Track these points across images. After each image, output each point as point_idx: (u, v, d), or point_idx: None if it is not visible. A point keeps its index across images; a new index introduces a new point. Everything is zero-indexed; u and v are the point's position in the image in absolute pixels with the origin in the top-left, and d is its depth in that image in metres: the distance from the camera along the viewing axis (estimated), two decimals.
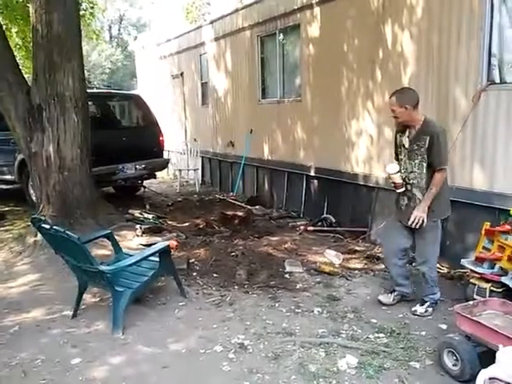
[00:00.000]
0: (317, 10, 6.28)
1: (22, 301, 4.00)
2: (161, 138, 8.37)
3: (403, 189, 3.49)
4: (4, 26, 6.71)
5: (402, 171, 3.49)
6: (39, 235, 4.92)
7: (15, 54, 6.55)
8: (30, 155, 5.48)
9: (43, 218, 3.91)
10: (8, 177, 7.70)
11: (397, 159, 3.62)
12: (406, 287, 3.77)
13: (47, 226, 3.37)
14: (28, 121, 5.36)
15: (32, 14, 5.31)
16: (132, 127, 8.80)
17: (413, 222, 3.37)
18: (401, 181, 3.48)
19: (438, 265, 4.45)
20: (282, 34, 7.24)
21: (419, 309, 3.59)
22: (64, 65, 5.26)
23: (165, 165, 8.84)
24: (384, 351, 3.03)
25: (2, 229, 6.39)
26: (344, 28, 5.80)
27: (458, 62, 4.37)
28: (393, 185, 3.55)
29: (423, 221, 3.35)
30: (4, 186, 8.00)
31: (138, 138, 7.82)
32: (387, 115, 5.18)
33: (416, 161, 3.40)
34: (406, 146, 3.46)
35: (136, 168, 7.70)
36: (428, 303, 3.60)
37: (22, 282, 4.42)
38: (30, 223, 5.27)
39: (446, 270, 4.45)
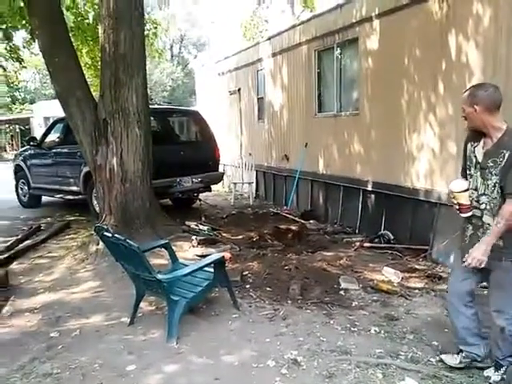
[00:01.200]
0: (376, 22, 6.19)
1: (83, 306, 4.17)
2: (217, 153, 8.54)
3: (470, 213, 2.72)
4: (75, 47, 7.16)
5: (471, 191, 2.72)
6: (101, 244, 5.13)
7: (84, 72, 6.97)
8: (94, 167, 5.78)
9: (106, 226, 4.06)
10: (74, 188, 8.14)
11: (464, 175, 2.83)
12: (477, 348, 2.90)
13: (109, 235, 3.50)
14: (94, 135, 5.67)
15: (100, 35, 5.65)
16: (190, 142, 9.07)
17: (469, 264, 2.61)
18: (468, 202, 2.71)
19: None
20: (339, 48, 7.19)
21: (493, 376, 2.76)
22: (128, 81, 5.52)
23: (220, 178, 9.00)
24: (447, 376, 2.84)
25: (67, 237, 6.75)
26: (404, 40, 5.67)
27: None
28: (457, 207, 2.75)
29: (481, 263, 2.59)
30: (70, 197, 8.47)
31: (195, 152, 8.05)
32: (451, 128, 4.99)
33: (490, 181, 2.62)
34: (480, 159, 2.68)
35: (192, 181, 7.88)
36: (505, 368, 2.74)
37: (84, 289, 4.61)
38: (93, 232, 5.54)
39: None
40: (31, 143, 9.37)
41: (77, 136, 5.88)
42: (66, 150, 8.33)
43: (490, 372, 2.80)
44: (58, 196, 8.99)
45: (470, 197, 2.71)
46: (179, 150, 7.84)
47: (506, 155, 2.54)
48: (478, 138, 2.73)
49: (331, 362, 3.06)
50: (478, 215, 2.71)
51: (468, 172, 2.79)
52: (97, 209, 7.34)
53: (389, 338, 3.41)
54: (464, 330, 2.89)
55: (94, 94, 6.23)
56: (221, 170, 10.21)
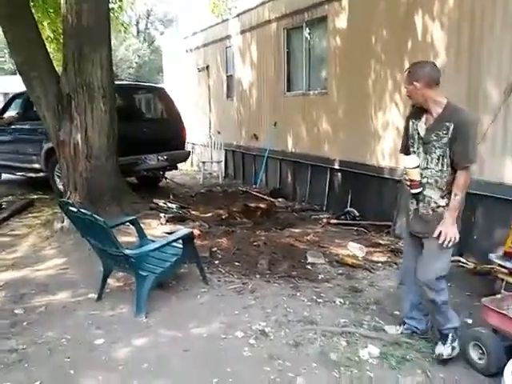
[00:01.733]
0: (345, 1, 6.21)
1: (49, 283, 4.09)
2: (183, 131, 8.46)
3: (420, 189, 2.77)
4: (36, 19, 6.84)
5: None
6: (66, 221, 5.03)
7: (47, 46, 6.70)
8: (58, 143, 5.61)
9: (71, 201, 3.99)
10: (36, 165, 7.90)
11: (405, 152, 2.92)
12: (419, 322, 3.08)
13: (74, 209, 3.44)
14: (57, 110, 5.49)
15: (62, 6, 5.42)
16: (155, 119, 8.88)
17: (448, 243, 2.67)
18: (419, 178, 2.76)
19: (464, 260, 4.39)
20: (308, 27, 7.18)
21: (444, 350, 2.77)
22: (92, 55, 5.35)
23: (187, 156, 8.95)
24: (407, 343, 2.98)
25: (30, 215, 6.56)
26: (372, 19, 5.71)
27: (490, 52, 4.25)
28: (408, 183, 2.79)
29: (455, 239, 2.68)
30: (32, 175, 8.23)
31: (161, 130, 7.92)
32: None
33: (434, 155, 2.70)
34: (422, 135, 2.77)
35: (158, 159, 7.79)
36: (450, 337, 2.80)
37: (49, 266, 4.52)
38: (57, 210, 5.43)
39: (472, 265, 4.33)
40: None
41: (39, 111, 5.67)
42: (26, 127, 8.02)
43: (439, 349, 2.80)
44: (19, 174, 8.70)
45: (420, 173, 2.77)
46: (144, 127, 7.68)
47: (451, 128, 2.61)
48: (419, 115, 2.81)
49: (297, 331, 3.15)
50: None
51: (411, 149, 2.85)
52: (60, 187, 7.20)
53: (353, 309, 3.53)
54: (411, 304, 3.06)
55: (57, 68, 6.01)
56: (188, 148, 10.11)
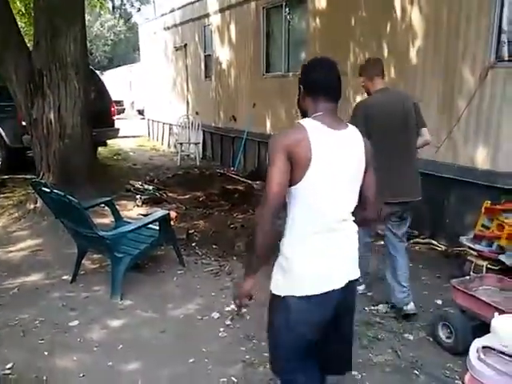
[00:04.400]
0: None
1: (22, 265, 4.03)
2: (111, 109, 8.79)
3: None
4: None
5: None
6: (39, 202, 4.93)
7: (18, 21, 6.43)
8: (30, 122, 5.44)
9: (43, 181, 3.89)
10: None
11: None
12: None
13: (48, 190, 3.36)
14: (29, 86, 5.30)
15: None
16: None
17: None
18: None
19: (435, 242, 4.51)
20: (288, 7, 7.10)
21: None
22: (65, 30, 5.16)
23: (116, 134, 9.12)
24: (379, 323, 3.07)
25: (2, 196, 6.40)
26: (352, 1, 5.68)
27: (466, 37, 4.29)
28: None
29: None
30: None
31: None
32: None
33: None
34: None
35: None
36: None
37: (22, 247, 4.44)
38: (30, 191, 5.30)
39: (443, 248, 4.46)
40: None
41: (9, 87, 5.47)
42: None
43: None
44: None
45: None
46: None
47: None
48: None
49: None
50: None
51: None
52: None
53: None
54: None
55: (29, 44, 5.79)
56: (166, 129, 9.93)
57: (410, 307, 3.10)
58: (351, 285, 1.74)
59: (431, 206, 4.76)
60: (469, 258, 3.70)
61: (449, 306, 2.95)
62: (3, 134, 7.74)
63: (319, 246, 1.66)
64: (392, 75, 5.11)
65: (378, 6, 5.28)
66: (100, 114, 7.94)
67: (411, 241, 4.65)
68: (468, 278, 3.01)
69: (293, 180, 1.60)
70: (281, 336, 1.74)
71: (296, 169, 1.59)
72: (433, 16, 4.63)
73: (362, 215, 1.79)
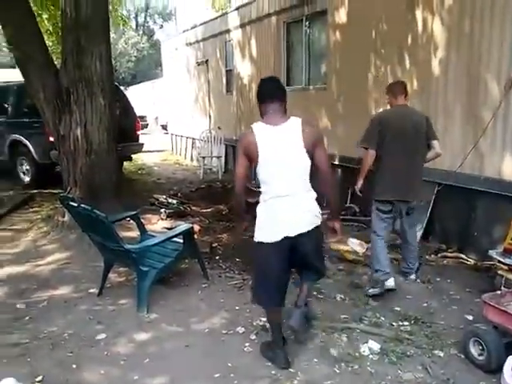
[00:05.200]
0: None
1: (50, 278, 4.11)
2: (136, 124, 9.05)
3: None
4: (35, 12, 6.80)
5: None
6: (67, 216, 5.03)
7: (46, 40, 6.66)
8: (58, 138, 5.58)
9: (71, 196, 3.98)
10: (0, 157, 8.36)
11: None
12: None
13: (75, 204, 3.44)
14: (56, 103, 5.45)
15: None
16: None
17: None
18: None
19: (464, 256, 4.41)
20: (308, 20, 7.15)
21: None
22: (91, 49, 5.29)
23: (140, 149, 9.27)
24: (408, 339, 3.00)
25: (31, 210, 6.56)
26: (372, 13, 5.69)
27: (490, 48, 4.24)
28: None
29: None
30: None
31: None
32: (415, 102, 5.11)
33: None
34: None
35: None
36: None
37: (50, 261, 4.53)
38: (58, 205, 5.42)
39: (472, 262, 4.35)
40: None
41: (37, 104, 5.64)
42: None
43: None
44: None
45: None
46: None
47: None
48: None
49: None
50: None
51: None
52: (25, 179, 8.02)
53: (353, 305, 3.55)
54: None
55: (57, 62, 5.98)
56: (189, 143, 10.02)
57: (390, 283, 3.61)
58: (306, 233, 2.56)
59: (458, 219, 4.68)
60: (499, 272, 3.60)
61: (480, 322, 2.87)
62: (32, 149, 7.96)
63: (272, 208, 2.56)
64: (415, 87, 5.08)
65: (399, 17, 5.27)
66: (125, 129, 8.16)
67: (439, 254, 4.57)
68: (499, 292, 2.93)
69: (254, 164, 2.52)
70: (259, 266, 2.69)
71: (252, 158, 2.51)
72: (455, 27, 4.59)
73: (318, 184, 2.63)
